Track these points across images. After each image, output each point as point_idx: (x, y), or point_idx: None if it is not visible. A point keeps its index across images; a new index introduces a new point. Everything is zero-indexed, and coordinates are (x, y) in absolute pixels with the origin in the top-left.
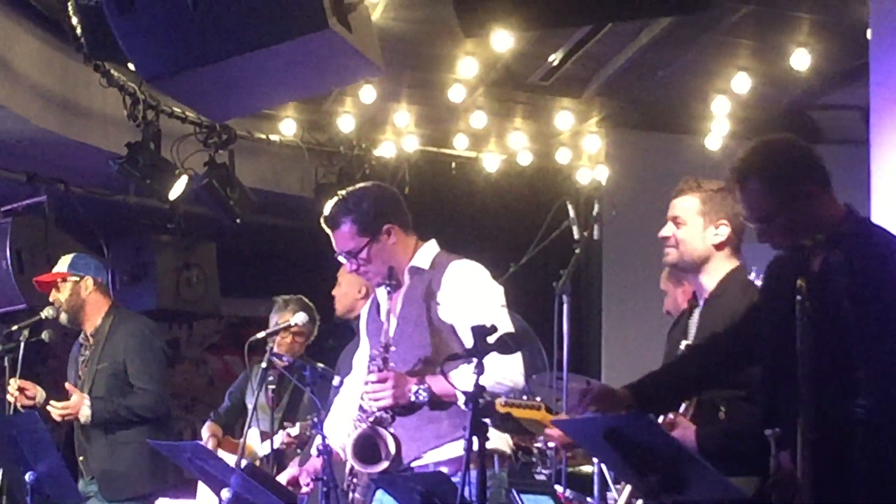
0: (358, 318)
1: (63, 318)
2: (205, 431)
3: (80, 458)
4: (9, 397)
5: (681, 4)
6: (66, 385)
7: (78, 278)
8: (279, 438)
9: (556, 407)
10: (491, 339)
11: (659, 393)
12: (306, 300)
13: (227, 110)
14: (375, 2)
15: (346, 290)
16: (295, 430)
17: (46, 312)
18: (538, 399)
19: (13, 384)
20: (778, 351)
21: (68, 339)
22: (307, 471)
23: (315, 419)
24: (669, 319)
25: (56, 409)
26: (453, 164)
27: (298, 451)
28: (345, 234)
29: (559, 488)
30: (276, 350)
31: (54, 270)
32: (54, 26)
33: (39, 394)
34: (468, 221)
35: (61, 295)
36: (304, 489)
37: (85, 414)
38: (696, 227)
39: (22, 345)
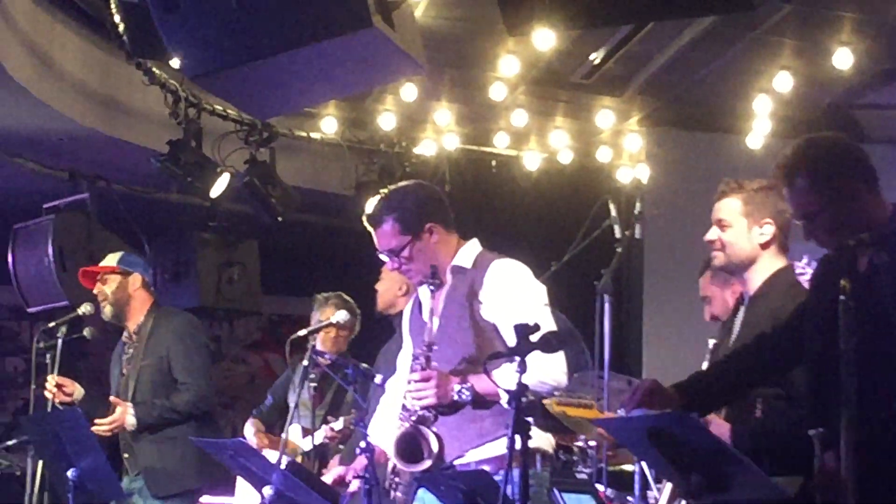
0: (398, 314)
1: (107, 311)
2: (248, 429)
3: (126, 455)
4: (47, 394)
5: (724, 3)
6: (111, 398)
7: (126, 273)
8: (322, 433)
9: (599, 405)
10: (534, 338)
11: (706, 393)
12: (346, 296)
13: (269, 108)
14: (417, 0)
15: (388, 286)
16: (338, 425)
17: (84, 309)
18: (589, 398)
19: (51, 380)
20: (823, 351)
21: (108, 337)
22: (354, 469)
23: (358, 415)
24: (711, 321)
25: (103, 426)
26: (494, 163)
27: (341, 446)
28: (387, 232)
29: (600, 487)
30: (318, 347)
31: (102, 264)
32: (97, 25)
33: (77, 390)
34: (508, 220)
35: (107, 288)
36: (352, 488)
37: (130, 423)
38: (741, 229)
39: (60, 341)
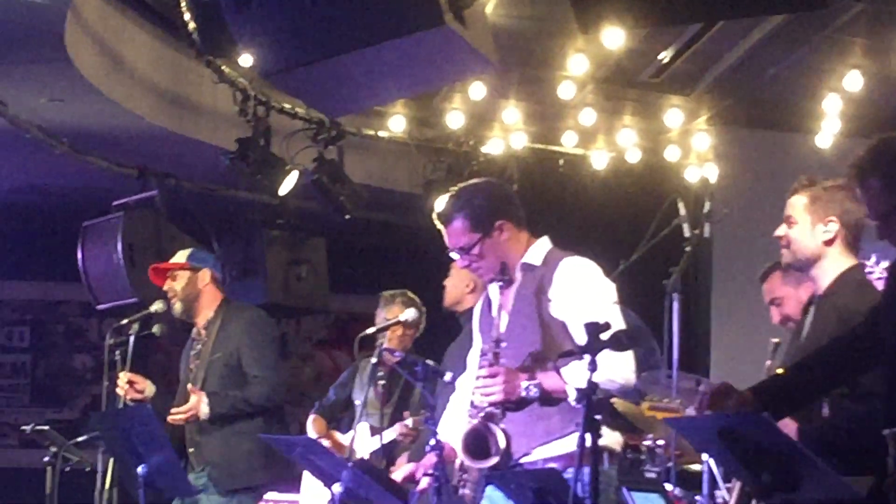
0: (464, 312)
1: (177, 307)
2: (310, 425)
3: (191, 449)
4: (118, 390)
5: (795, 2)
6: (189, 387)
7: (195, 269)
8: (393, 431)
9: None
10: (604, 336)
11: (784, 396)
12: (411, 294)
13: (340, 106)
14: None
15: (455, 283)
16: (411, 422)
17: (156, 306)
18: (678, 402)
19: (122, 377)
20: None
21: (177, 334)
22: (423, 466)
23: (428, 415)
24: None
25: (179, 414)
26: (561, 162)
27: (411, 444)
28: (457, 229)
29: (668, 486)
30: (385, 345)
31: (172, 261)
32: (166, 23)
33: (148, 387)
34: (576, 219)
35: (177, 284)
36: (422, 485)
37: (204, 412)
38: (806, 225)
39: (132, 339)
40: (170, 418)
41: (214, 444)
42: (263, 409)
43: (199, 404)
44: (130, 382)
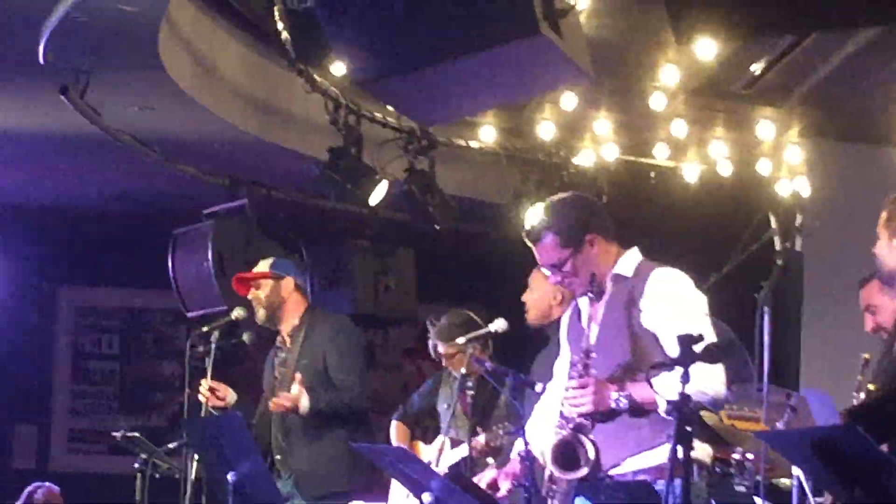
0: (552, 324)
1: (261, 315)
2: (393, 432)
3: (278, 456)
4: (200, 397)
5: (888, 15)
6: (296, 376)
7: (278, 278)
8: (463, 449)
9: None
10: (697, 348)
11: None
12: (466, 312)
13: (434, 115)
14: (580, 9)
15: (541, 296)
16: (482, 438)
17: (237, 313)
18: (757, 412)
19: (205, 384)
20: None
21: (264, 343)
22: (506, 473)
23: (508, 428)
24: (872, 333)
25: (280, 400)
26: (652, 174)
27: (488, 460)
28: (548, 246)
29: (758, 500)
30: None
31: (255, 270)
32: (259, 31)
33: (230, 395)
34: (666, 232)
35: (261, 292)
36: (502, 492)
37: (304, 405)
38: (884, 241)
39: (213, 346)
40: (272, 404)
41: (300, 450)
42: (350, 415)
43: (301, 395)
44: (212, 390)
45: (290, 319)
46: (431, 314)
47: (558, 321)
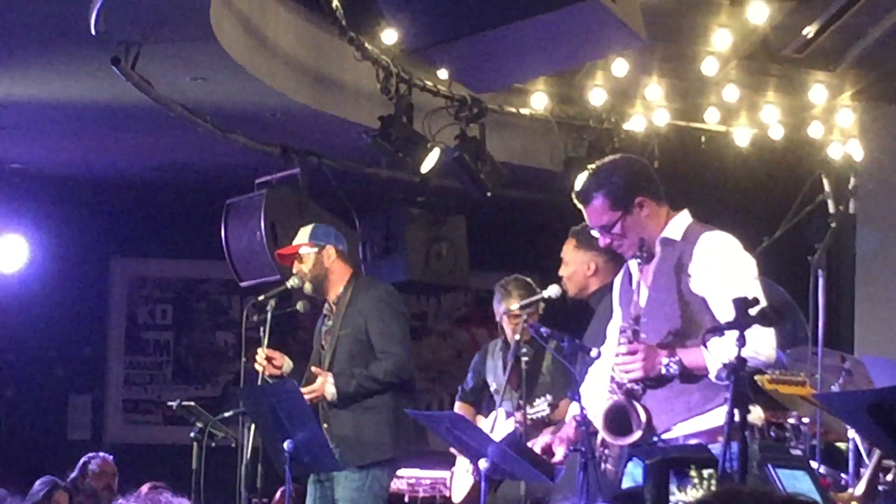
0: (592, 295)
1: (307, 287)
2: (457, 411)
3: (325, 425)
4: (257, 366)
5: None
6: (312, 368)
7: (319, 248)
8: (511, 423)
9: (812, 381)
10: (752, 312)
11: None
12: (523, 278)
13: (487, 82)
14: None
15: (576, 269)
16: (529, 410)
17: (292, 282)
18: (802, 375)
19: (261, 353)
20: None
21: (317, 311)
22: (560, 438)
23: (551, 400)
24: None
25: (308, 395)
26: (703, 139)
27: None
28: (597, 208)
29: (814, 464)
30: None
31: (295, 242)
32: (310, 0)
33: (286, 363)
34: (718, 196)
35: (304, 266)
36: (558, 457)
37: (330, 392)
38: None
39: (269, 314)
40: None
41: (344, 419)
42: (391, 385)
43: (323, 386)
44: (268, 358)
45: (336, 287)
46: (499, 280)
47: (598, 291)
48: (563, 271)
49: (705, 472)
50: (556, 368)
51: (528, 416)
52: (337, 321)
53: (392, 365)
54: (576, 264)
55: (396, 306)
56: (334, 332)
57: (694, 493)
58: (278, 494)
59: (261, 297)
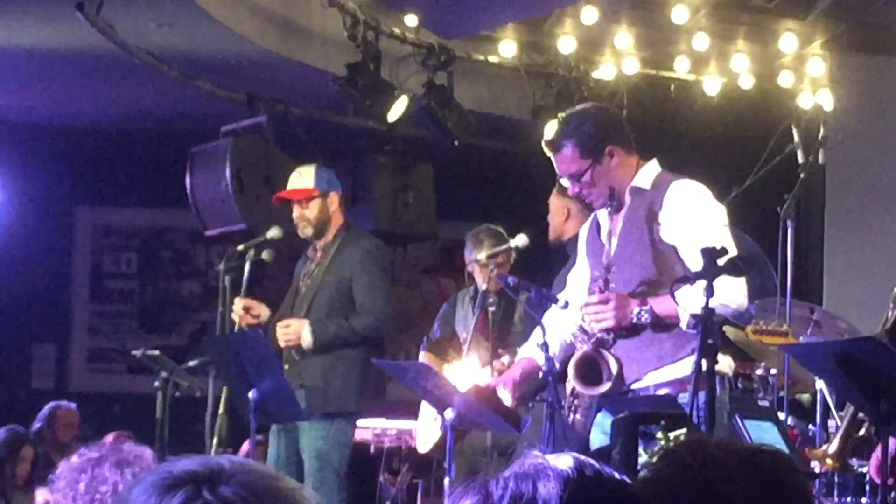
0: (569, 241)
1: (308, 232)
2: (422, 361)
3: (286, 366)
4: (234, 316)
5: None
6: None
7: (325, 194)
8: (488, 373)
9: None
10: (721, 262)
11: None
12: (495, 227)
13: (457, 27)
14: None
15: (553, 214)
16: (506, 359)
17: (273, 233)
18: (786, 326)
19: (238, 303)
20: None
21: (283, 261)
22: (504, 381)
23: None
24: (893, 246)
25: (280, 332)
26: (673, 87)
27: None
28: (567, 157)
29: (781, 415)
30: (477, 276)
31: (300, 186)
32: None
33: (264, 312)
34: (687, 145)
35: (309, 212)
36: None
37: (307, 339)
38: None
39: (248, 265)
40: (278, 333)
41: (313, 367)
42: (366, 340)
43: (300, 330)
44: (246, 308)
45: (328, 235)
46: (468, 230)
47: (575, 238)
48: (549, 217)
49: (672, 436)
50: (529, 318)
51: (498, 369)
52: (321, 268)
53: (373, 321)
54: (553, 210)
55: (383, 263)
56: (317, 278)
57: None
58: (245, 446)
59: (240, 247)
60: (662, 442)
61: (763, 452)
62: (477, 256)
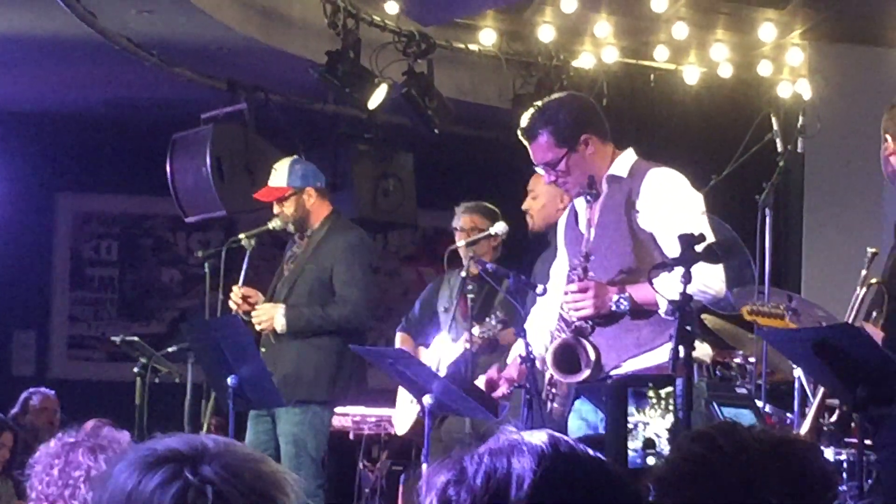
0: (551, 228)
1: (291, 228)
2: (398, 344)
3: (262, 349)
4: (231, 304)
5: None
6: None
7: (298, 192)
8: (461, 344)
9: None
10: (698, 248)
11: None
12: (488, 205)
13: (437, 14)
14: None
15: (546, 202)
16: (476, 331)
17: (274, 224)
18: (782, 307)
19: (236, 291)
20: None
21: (264, 248)
22: (504, 378)
23: (501, 317)
24: (871, 235)
25: (255, 315)
26: (652, 77)
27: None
28: (542, 145)
29: (759, 403)
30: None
31: (273, 184)
32: None
33: (261, 300)
34: (667, 134)
35: (286, 209)
36: (499, 392)
37: (280, 323)
38: (887, 144)
39: (248, 252)
40: (253, 315)
41: (287, 353)
42: (342, 330)
43: (273, 313)
44: (244, 297)
45: (314, 224)
46: (447, 218)
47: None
48: (529, 204)
49: (663, 392)
50: (509, 304)
51: (477, 336)
52: (305, 254)
53: (349, 312)
54: (548, 197)
55: (366, 256)
56: (300, 264)
57: (652, 413)
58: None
59: (241, 236)
60: (654, 400)
61: (793, 441)
62: (457, 244)
